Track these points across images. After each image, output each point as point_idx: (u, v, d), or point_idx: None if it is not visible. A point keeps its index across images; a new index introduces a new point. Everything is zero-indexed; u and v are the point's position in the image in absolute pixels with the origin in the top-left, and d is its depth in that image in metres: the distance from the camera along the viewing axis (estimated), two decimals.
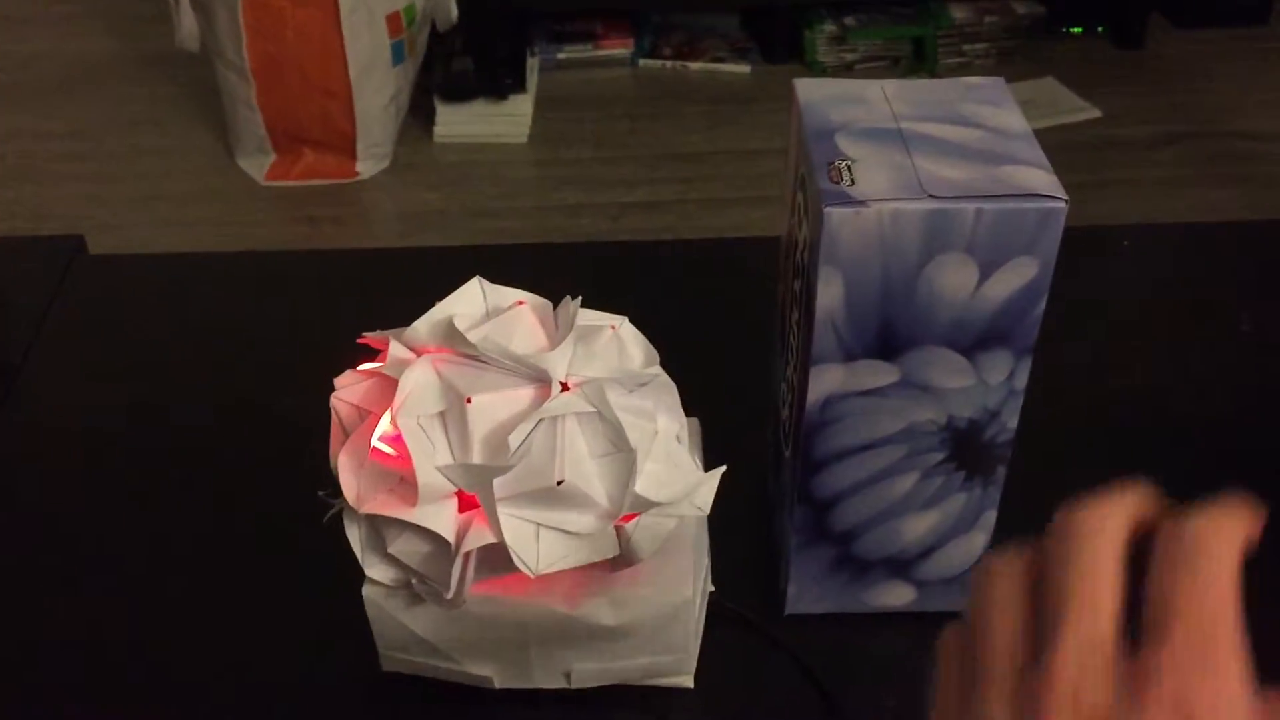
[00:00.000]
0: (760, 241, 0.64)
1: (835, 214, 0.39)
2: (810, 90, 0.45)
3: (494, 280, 0.46)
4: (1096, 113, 2.09)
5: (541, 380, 0.43)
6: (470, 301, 0.45)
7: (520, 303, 0.45)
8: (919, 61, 2.29)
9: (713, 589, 0.50)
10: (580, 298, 0.45)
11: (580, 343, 0.44)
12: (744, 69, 2.22)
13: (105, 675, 0.50)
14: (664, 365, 0.46)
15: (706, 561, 0.50)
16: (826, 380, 0.43)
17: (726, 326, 0.67)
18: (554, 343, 0.44)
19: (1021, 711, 0.25)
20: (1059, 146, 2.01)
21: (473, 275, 0.45)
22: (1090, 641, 0.26)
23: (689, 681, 0.48)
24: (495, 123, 2.00)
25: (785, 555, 0.50)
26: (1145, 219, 1.81)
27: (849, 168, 0.41)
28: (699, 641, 0.48)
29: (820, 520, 0.47)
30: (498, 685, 0.47)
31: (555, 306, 0.47)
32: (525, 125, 2.02)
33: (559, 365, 0.43)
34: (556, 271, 0.70)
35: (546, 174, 1.96)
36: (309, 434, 0.51)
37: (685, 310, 0.68)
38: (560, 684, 0.47)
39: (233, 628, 0.51)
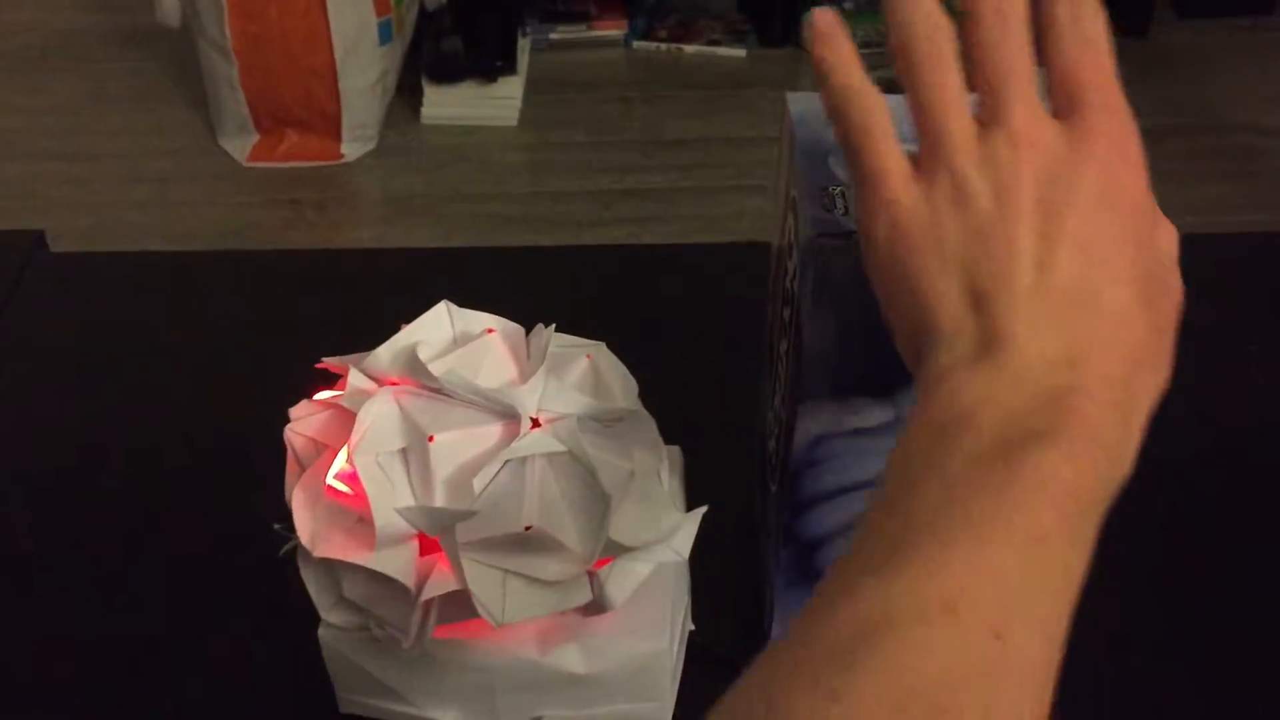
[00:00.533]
0: (750, 248, 0.61)
1: (827, 244, 0.37)
2: (804, 104, 0.42)
3: (471, 285, 0.43)
4: None
5: (510, 416, 0.40)
6: (436, 327, 0.43)
7: (490, 330, 0.42)
8: None
9: (692, 628, 0.48)
10: (554, 325, 0.42)
11: (553, 374, 0.41)
12: (740, 52, 2.18)
13: (51, 713, 0.47)
14: (644, 382, 0.43)
15: (686, 600, 0.47)
16: (816, 418, 0.40)
17: (713, 338, 0.64)
18: (525, 374, 0.41)
19: (999, 172, 0.30)
20: None
21: (447, 278, 0.43)
22: (1037, 109, 0.30)
23: None
24: (484, 105, 1.95)
25: (770, 594, 0.47)
26: None
27: (843, 195, 0.38)
28: (676, 686, 0.46)
29: (807, 561, 0.45)
30: None
31: (528, 332, 0.44)
32: (515, 108, 1.98)
33: (529, 401, 0.40)
34: (535, 277, 0.68)
35: (536, 159, 1.92)
36: (269, 456, 0.48)
37: (671, 320, 0.65)
38: None
39: (185, 658, 0.49)
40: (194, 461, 0.57)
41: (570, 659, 0.42)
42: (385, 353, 0.41)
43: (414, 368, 0.40)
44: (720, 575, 0.48)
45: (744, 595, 0.51)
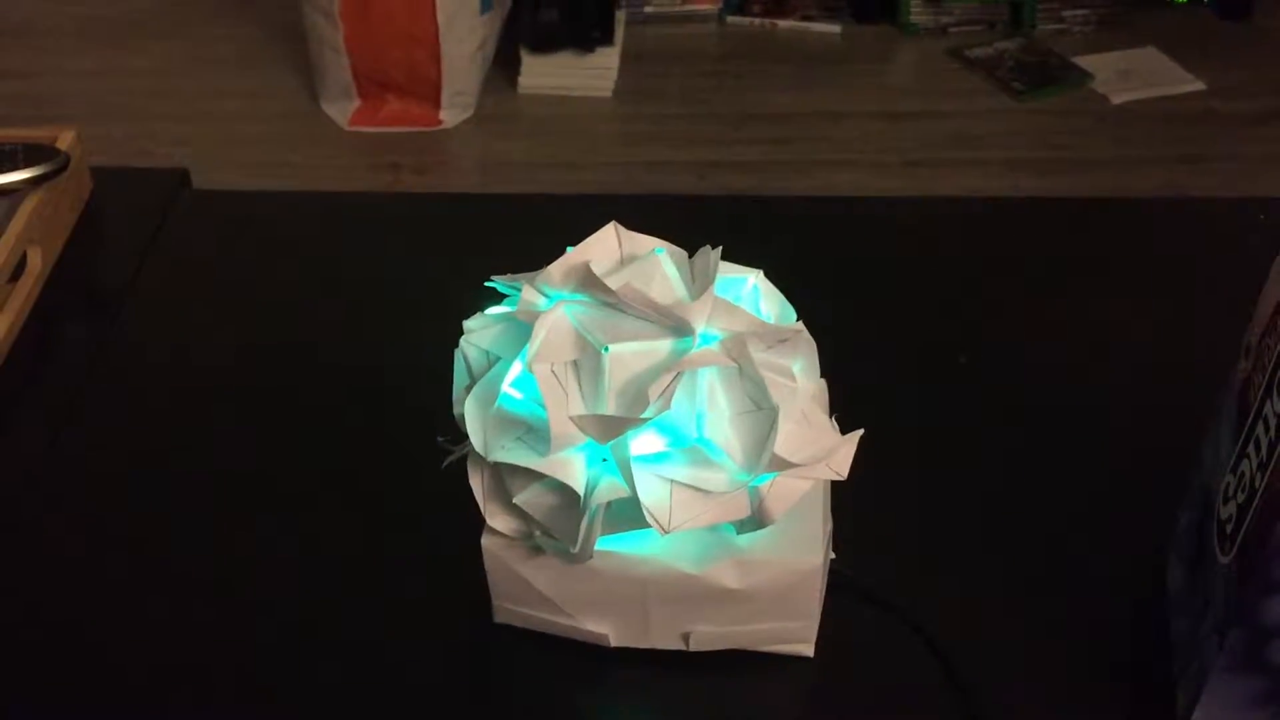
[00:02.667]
0: (872, 203, 0.61)
1: None
2: None
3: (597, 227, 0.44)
4: (1199, 85, 2.01)
5: (681, 331, 0.41)
6: (605, 247, 0.44)
7: (658, 250, 0.43)
8: (1016, 27, 2.22)
9: (833, 556, 0.49)
10: (720, 248, 0.43)
11: (719, 294, 0.42)
12: (834, 29, 2.17)
13: (232, 611, 0.49)
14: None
15: (830, 526, 0.48)
16: None
17: (853, 292, 0.65)
18: (692, 293, 0.43)
19: None
20: (1159, 119, 1.95)
21: (587, 224, 0.44)
22: None
23: (809, 650, 0.46)
24: (580, 75, 1.97)
25: (1193, 669, 0.44)
26: (1249, 196, 1.74)
27: None
28: (820, 609, 0.47)
29: (1258, 648, 0.41)
30: (613, 644, 0.46)
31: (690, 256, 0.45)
32: (611, 79, 1.99)
33: (699, 317, 0.41)
34: (663, 222, 0.69)
35: (630, 129, 1.93)
36: (425, 376, 0.50)
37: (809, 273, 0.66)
38: (678, 645, 0.46)
39: (342, 568, 0.51)
40: (352, 383, 0.59)
41: (725, 575, 0.43)
42: (557, 269, 0.43)
43: (588, 282, 0.42)
44: (857, 504, 0.49)
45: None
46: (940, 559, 0.51)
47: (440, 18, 1.79)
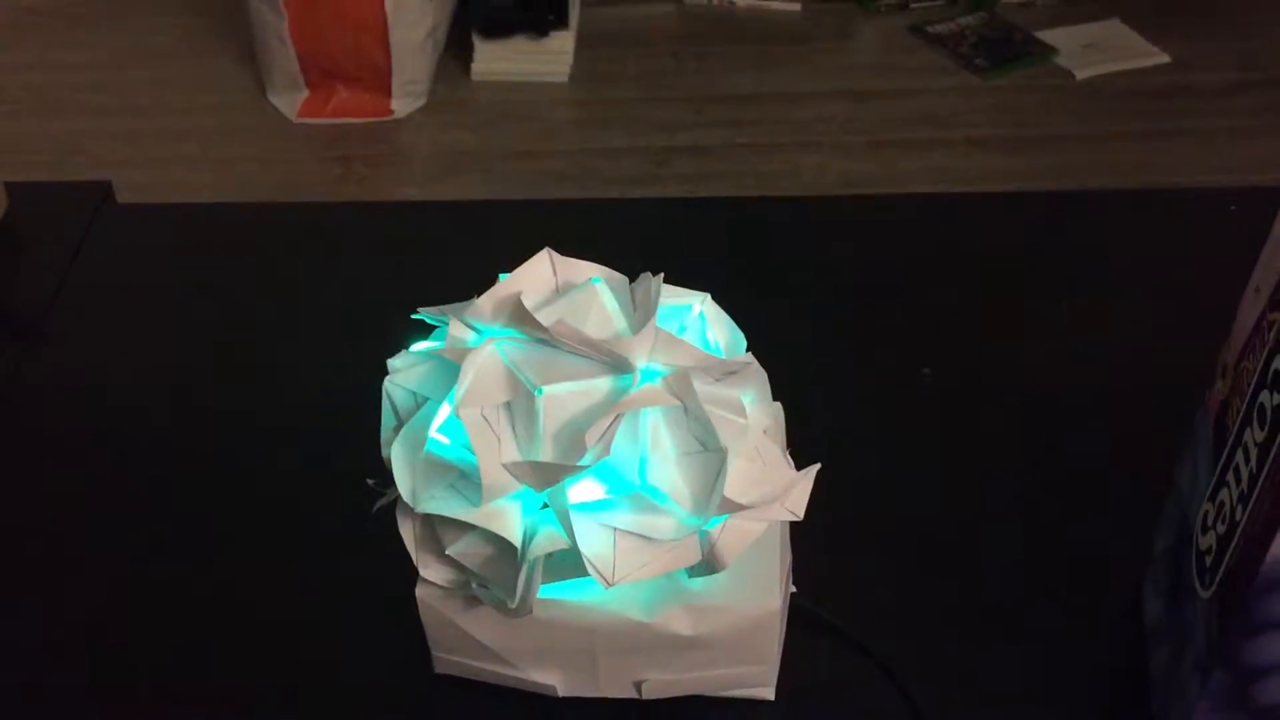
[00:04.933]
0: (832, 201, 0.59)
1: None
2: None
3: (550, 241, 0.41)
4: (1165, 58, 1.99)
5: (621, 369, 0.38)
6: (539, 276, 0.41)
7: (594, 279, 0.40)
8: (978, 2, 2.19)
9: (794, 589, 0.46)
10: (662, 274, 0.40)
11: (661, 325, 0.39)
12: (794, 7, 2.13)
13: (127, 672, 0.46)
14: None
15: (790, 560, 0.45)
16: None
17: (803, 295, 0.62)
18: (634, 325, 0.40)
19: None
20: (1124, 93, 1.94)
21: (532, 230, 0.41)
22: None
23: (769, 693, 0.44)
24: (535, 60, 1.93)
25: (1175, 708, 0.41)
26: (1216, 171, 1.73)
27: None
28: (780, 650, 0.44)
29: (1242, 690, 0.39)
30: (561, 694, 0.43)
31: (631, 281, 0.42)
32: (566, 63, 1.95)
33: (640, 352, 0.38)
34: (609, 230, 0.66)
35: (588, 115, 1.89)
36: (355, 409, 0.47)
37: (760, 279, 0.63)
38: (630, 694, 0.43)
39: (269, 618, 0.48)
40: (280, 414, 0.56)
41: (677, 621, 0.41)
42: (487, 302, 0.40)
43: (519, 317, 0.39)
44: (816, 534, 0.46)
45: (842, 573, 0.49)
46: (905, 590, 0.48)
47: (388, 4, 1.74)
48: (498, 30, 1.92)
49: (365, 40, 1.77)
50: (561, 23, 1.96)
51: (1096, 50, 2.03)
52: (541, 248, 0.41)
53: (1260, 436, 0.36)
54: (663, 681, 0.43)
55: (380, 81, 1.82)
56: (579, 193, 1.71)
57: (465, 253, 0.64)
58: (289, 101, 1.85)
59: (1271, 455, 0.35)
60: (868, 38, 2.11)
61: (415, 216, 0.71)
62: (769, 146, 1.80)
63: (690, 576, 0.40)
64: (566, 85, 1.94)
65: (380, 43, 1.77)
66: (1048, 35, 2.08)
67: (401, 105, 1.85)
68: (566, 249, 0.42)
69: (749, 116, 1.86)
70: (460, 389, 0.38)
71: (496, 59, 1.93)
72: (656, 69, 1.98)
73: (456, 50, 1.96)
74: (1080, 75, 1.98)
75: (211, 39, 2.04)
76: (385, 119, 1.84)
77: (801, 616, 0.45)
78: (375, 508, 0.43)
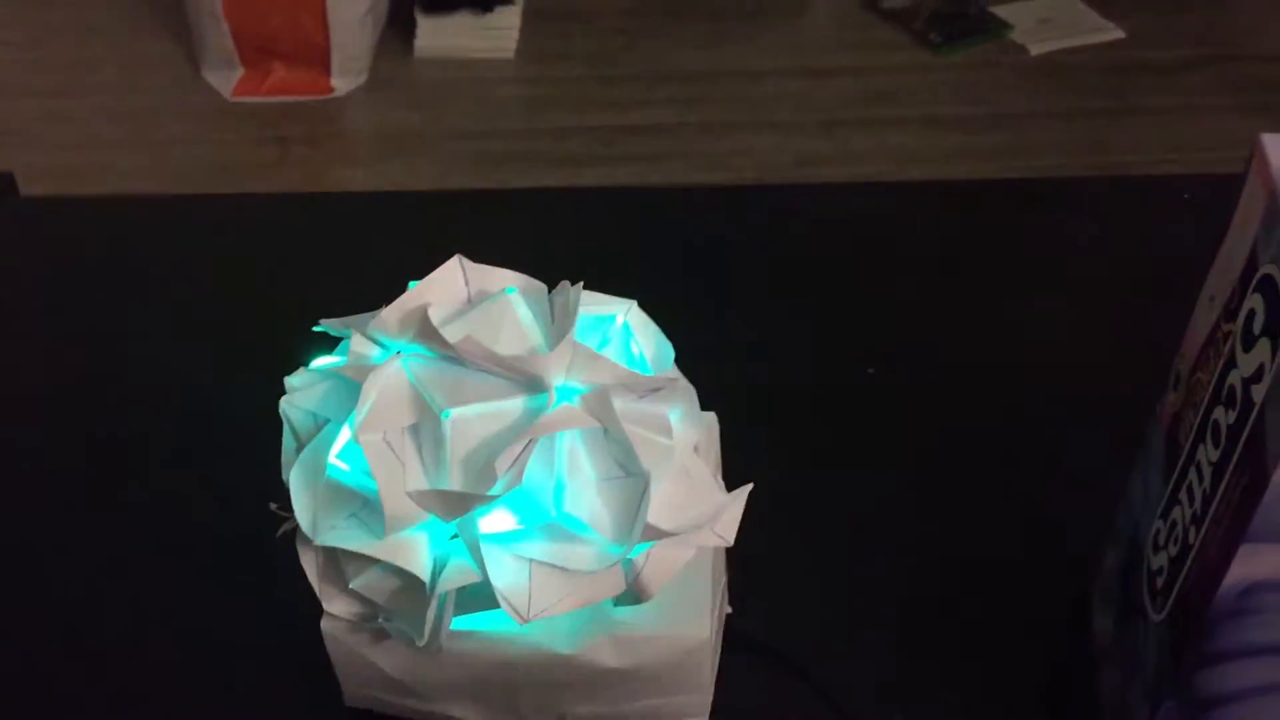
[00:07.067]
0: (785, 190, 0.56)
1: None
2: None
3: (482, 232, 0.38)
4: (1120, 33, 1.98)
5: (534, 388, 0.35)
6: (449, 285, 0.38)
7: (508, 289, 0.37)
8: None
9: (729, 610, 0.44)
10: (581, 283, 0.37)
11: (580, 338, 0.37)
12: None
13: (44, 703, 0.43)
14: (676, 343, 0.39)
15: (724, 581, 0.43)
16: (1261, 564, 0.32)
17: (742, 291, 0.59)
18: (550, 338, 0.37)
19: None
20: (1078, 69, 1.92)
21: (458, 222, 0.38)
22: None
23: None
24: (480, 36, 1.88)
25: None
26: (1170, 148, 1.72)
27: None
28: (714, 677, 0.42)
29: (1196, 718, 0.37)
30: None
31: (551, 288, 0.39)
32: (512, 40, 1.90)
33: (556, 370, 0.35)
34: (545, 220, 0.63)
35: (535, 93, 1.85)
36: (262, 426, 0.44)
37: (697, 271, 0.60)
38: None
39: (172, 648, 0.45)
40: (179, 431, 0.53)
41: (602, 653, 0.38)
42: (392, 315, 0.37)
43: (425, 332, 0.36)
44: (753, 551, 0.44)
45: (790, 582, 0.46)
46: (845, 610, 0.46)
47: None
48: (441, 5, 1.87)
49: (302, 15, 1.72)
50: None
51: (1051, 26, 2.02)
52: (468, 242, 0.38)
53: (1214, 455, 0.34)
54: (591, 715, 0.40)
55: (319, 58, 1.77)
56: (525, 173, 1.67)
57: (397, 245, 0.61)
58: (224, 79, 1.79)
59: (1225, 477, 0.33)
60: (820, 14, 2.08)
61: (347, 207, 0.68)
62: (721, 125, 1.77)
63: (615, 605, 0.38)
64: (512, 62, 1.90)
65: (318, 18, 1.72)
66: (1002, 11, 2.06)
67: (341, 83, 1.80)
68: (500, 241, 0.39)
69: (700, 95, 1.83)
70: (361, 412, 0.35)
71: (440, 35, 1.88)
72: (605, 46, 1.94)
73: (398, 26, 1.91)
74: (1035, 51, 1.96)
75: (143, 15, 1.97)
76: (324, 97, 1.79)
77: (737, 638, 0.43)
78: (279, 533, 0.40)
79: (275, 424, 0.37)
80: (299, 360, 0.38)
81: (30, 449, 0.52)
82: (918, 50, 1.98)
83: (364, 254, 0.61)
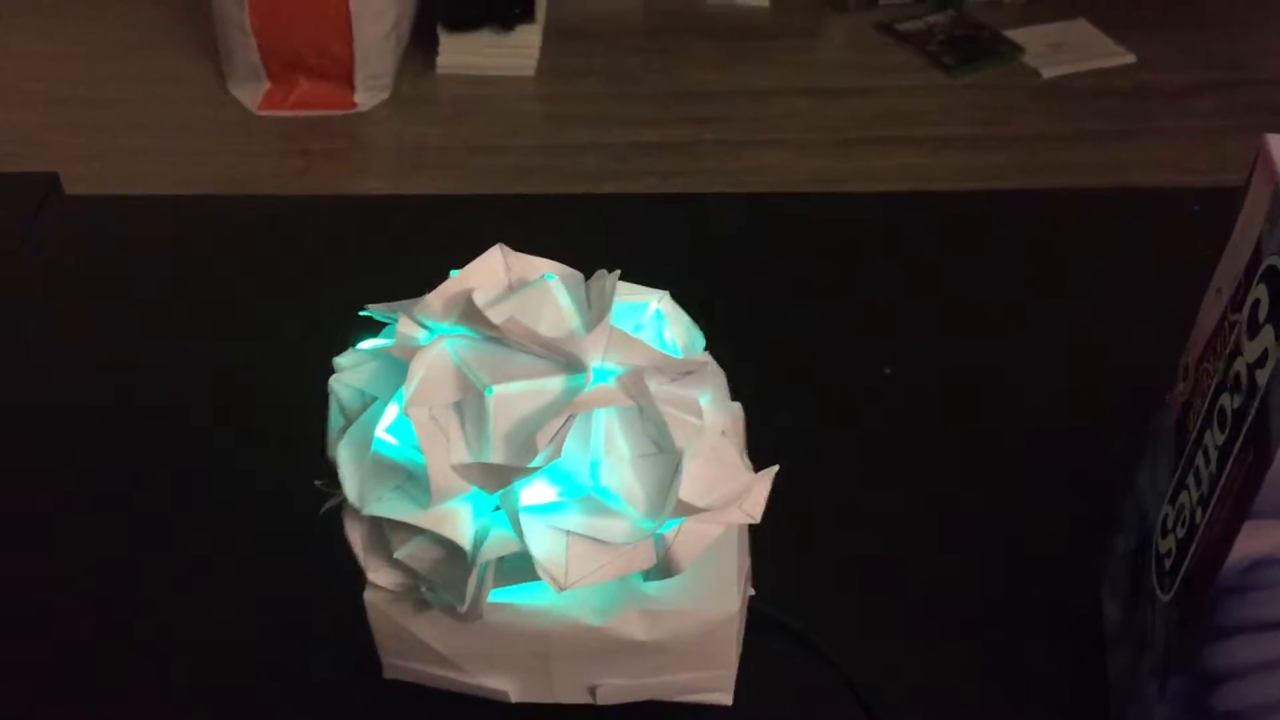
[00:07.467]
0: (804, 198, 0.58)
1: None
2: None
3: (508, 236, 0.40)
4: (1131, 58, 2.01)
5: (573, 368, 0.37)
6: (490, 272, 0.40)
7: (548, 275, 0.39)
8: (946, 1, 2.19)
9: (753, 592, 0.45)
10: (618, 271, 0.39)
11: (616, 324, 0.39)
12: (762, 3, 2.13)
13: (82, 678, 0.45)
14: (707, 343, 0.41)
15: (749, 563, 0.45)
16: (1264, 540, 0.34)
17: (765, 293, 0.61)
18: (587, 324, 0.39)
19: None
20: (1090, 93, 1.95)
21: (487, 225, 0.40)
22: None
23: (727, 699, 0.43)
24: (501, 54, 1.91)
25: (1132, 712, 0.41)
26: (1180, 171, 1.74)
27: None
28: (739, 653, 0.43)
29: (1201, 695, 0.38)
30: (514, 700, 0.42)
31: (587, 277, 0.41)
32: (533, 57, 1.93)
33: (594, 351, 0.37)
34: (570, 226, 0.65)
35: (554, 110, 1.88)
36: (307, 409, 0.46)
37: (722, 276, 0.62)
38: (584, 700, 0.42)
39: (217, 621, 0.46)
40: (227, 413, 0.55)
41: (632, 626, 0.40)
42: (437, 299, 0.39)
43: (470, 314, 0.37)
44: (775, 538, 0.46)
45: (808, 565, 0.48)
46: (865, 592, 0.48)
47: None
48: (463, 23, 1.90)
49: (328, 32, 1.75)
50: (528, 16, 1.94)
51: (1063, 50, 2.05)
52: (498, 243, 0.40)
53: (1220, 439, 0.36)
54: (618, 687, 0.42)
55: (343, 74, 1.80)
56: (543, 189, 1.70)
57: (423, 248, 0.63)
58: (250, 93, 1.83)
59: (1231, 458, 0.35)
60: (835, 35, 2.11)
61: (373, 211, 0.70)
62: (736, 144, 1.80)
63: (645, 580, 0.40)
64: (532, 80, 1.93)
65: (343, 34, 1.75)
66: (1015, 34, 2.09)
67: (365, 98, 1.83)
68: (525, 245, 0.41)
69: (716, 113, 1.86)
70: (409, 388, 0.37)
71: (462, 52, 1.91)
72: (624, 64, 1.97)
73: (421, 43, 1.94)
74: (1046, 74, 1.98)
75: (172, 30, 2.00)
76: (348, 112, 1.82)
77: (760, 620, 0.45)
78: (323, 510, 0.41)
79: (311, 409, 0.39)
80: (334, 354, 0.40)
81: (91, 428, 0.54)
82: (931, 72, 2.01)
83: (398, 253, 0.63)
